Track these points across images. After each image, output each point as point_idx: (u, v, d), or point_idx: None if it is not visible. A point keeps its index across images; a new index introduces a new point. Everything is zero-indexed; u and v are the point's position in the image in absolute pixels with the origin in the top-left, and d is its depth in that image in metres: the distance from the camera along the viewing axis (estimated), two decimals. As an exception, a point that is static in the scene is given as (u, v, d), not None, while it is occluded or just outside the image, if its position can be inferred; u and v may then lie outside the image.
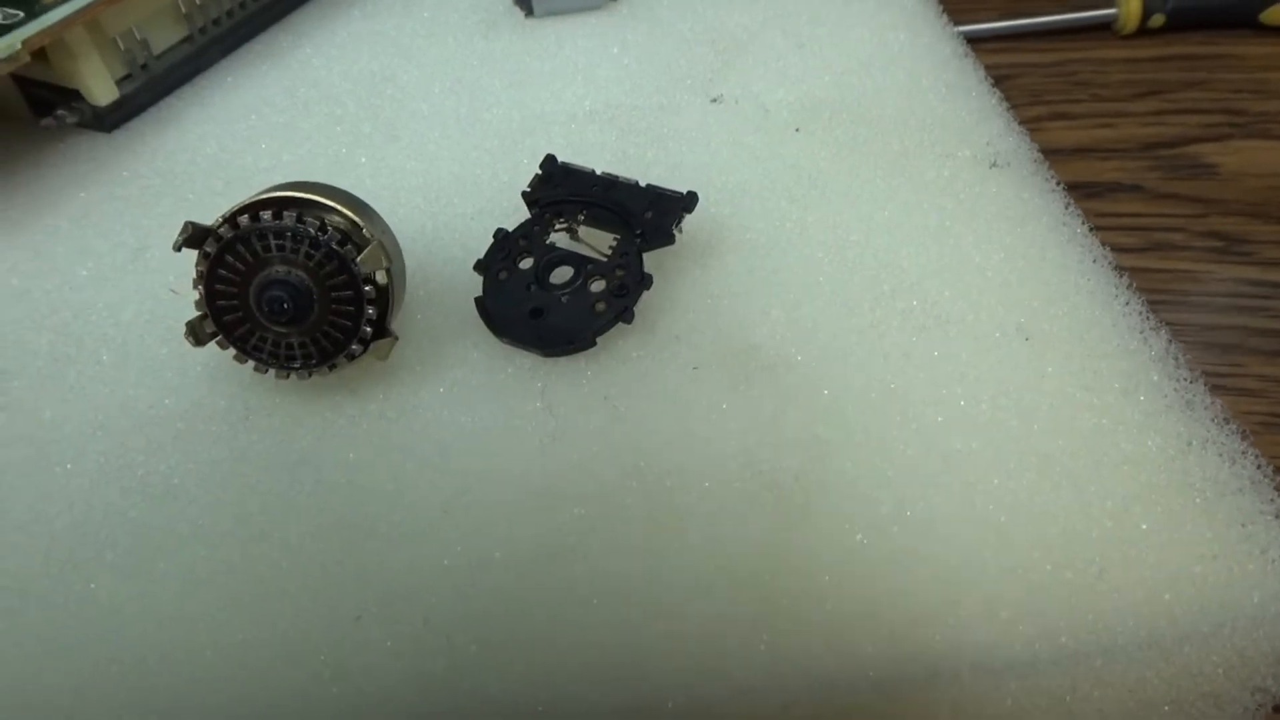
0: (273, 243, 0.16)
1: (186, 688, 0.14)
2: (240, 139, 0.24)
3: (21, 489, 0.16)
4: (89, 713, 0.13)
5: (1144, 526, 0.14)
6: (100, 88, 0.23)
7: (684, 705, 0.13)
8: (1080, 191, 0.29)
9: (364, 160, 0.22)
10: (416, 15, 0.27)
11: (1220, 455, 0.15)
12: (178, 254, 0.16)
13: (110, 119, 0.24)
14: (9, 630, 0.14)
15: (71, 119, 0.24)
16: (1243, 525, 0.14)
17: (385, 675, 0.14)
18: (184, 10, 0.25)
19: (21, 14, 0.22)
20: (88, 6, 0.22)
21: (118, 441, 0.17)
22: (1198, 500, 0.15)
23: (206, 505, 0.16)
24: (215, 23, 0.26)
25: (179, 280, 0.19)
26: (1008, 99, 0.32)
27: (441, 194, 0.21)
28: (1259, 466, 0.15)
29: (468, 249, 0.19)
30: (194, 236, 0.16)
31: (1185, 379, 0.16)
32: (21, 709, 0.13)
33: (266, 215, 0.15)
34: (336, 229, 0.16)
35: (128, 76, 0.24)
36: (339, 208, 0.16)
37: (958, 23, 0.35)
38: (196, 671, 0.14)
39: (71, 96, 0.24)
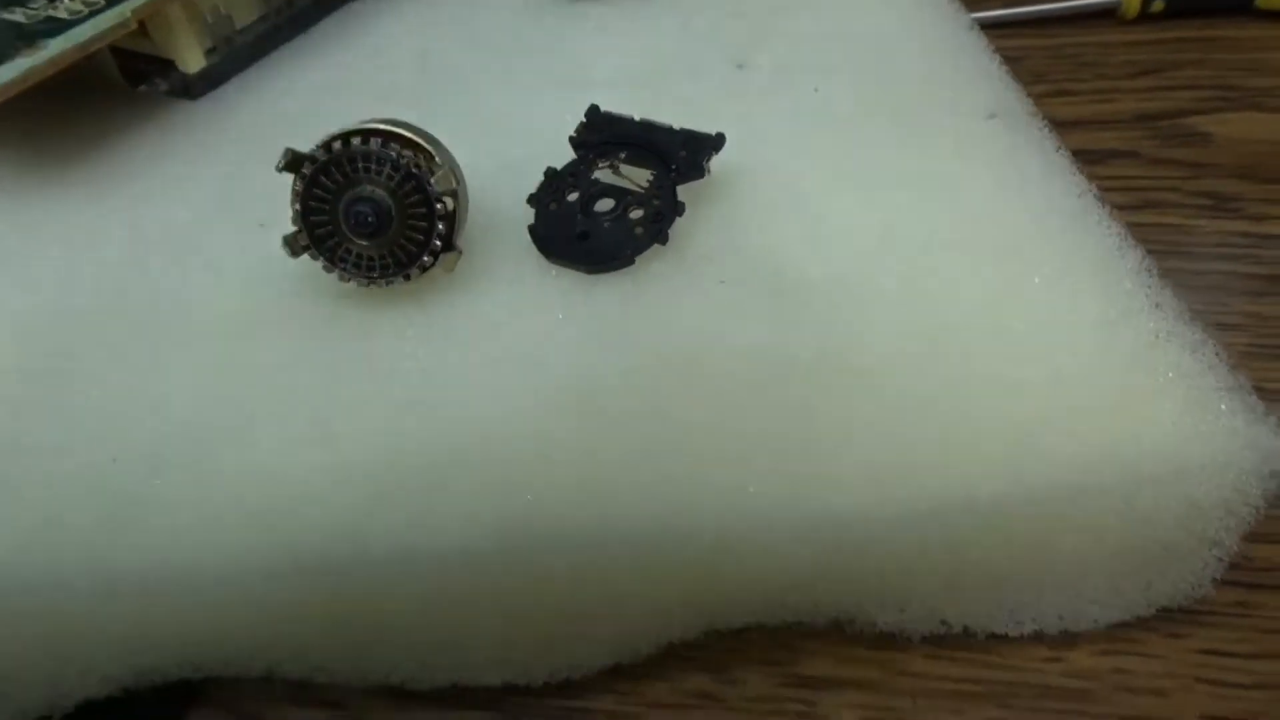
0: (360, 165, 0.18)
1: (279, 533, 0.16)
2: (313, 105, 0.26)
3: (143, 373, 0.19)
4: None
5: (1112, 396, 0.16)
6: (192, 58, 0.26)
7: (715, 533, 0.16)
8: (1080, 158, 0.31)
9: (426, 116, 0.25)
10: (470, 1, 0.30)
11: (1183, 346, 0.17)
12: (262, 199, 0.19)
13: (198, 87, 0.27)
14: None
15: (164, 87, 0.27)
16: (1199, 397, 0.16)
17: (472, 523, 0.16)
18: (263, -10, 0.28)
19: (129, -11, 0.25)
20: (188, -17, 0.25)
21: (224, 344, 0.19)
22: (1161, 379, 0.17)
23: (301, 388, 0.18)
24: (289, 3, 0.29)
25: (266, 218, 0.22)
26: (1013, 77, 0.35)
27: (495, 144, 0.24)
28: (1217, 354, 0.17)
29: (519, 188, 0.22)
30: (293, 161, 0.18)
31: (1155, 285, 0.19)
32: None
33: (356, 141, 0.18)
34: (414, 154, 0.18)
35: (213, 49, 0.27)
36: (415, 139, 0.19)
37: (968, 10, 0.37)
38: (287, 521, 0.16)
39: (165, 66, 0.27)
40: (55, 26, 0.23)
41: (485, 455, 0.17)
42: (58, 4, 0.24)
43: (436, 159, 0.19)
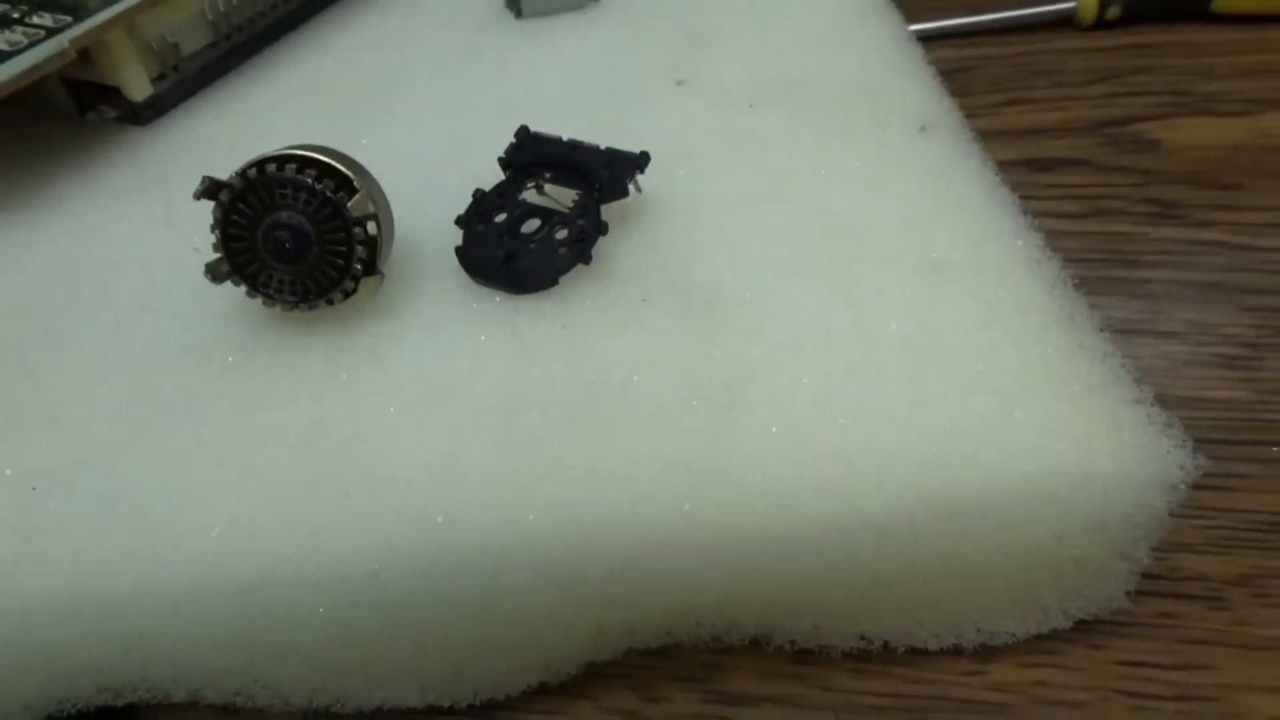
0: (276, 192, 0.18)
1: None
2: (260, 130, 0.27)
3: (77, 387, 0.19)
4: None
5: (1020, 411, 0.16)
6: (137, 85, 0.26)
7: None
8: (1032, 166, 0.31)
9: (365, 142, 0.25)
10: (419, 18, 0.30)
11: (1092, 359, 0.17)
12: (201, 223, 0.19)
13: (145, 114, 0.27)
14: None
15: (111, 114, 0.27)
16: (1104, 411, 0.16)
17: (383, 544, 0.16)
18: (210, 18, 0.28)
19: (70, 19, 0.25)
20: (127, 10, 0.25)
21: (150, 369, 0.19)
22: (1068, 393, 0.17)
23: (220, 412, 0.18)
24: (239, 29, 0.29)
25: (202, 243, 0.22)
26: (969, 88, 0.35)
27: (430, 165, 0.24)
28: (1123, 367, 0.17)
29: (450, 208, 0.22)
30: (210, 188, 0.19)
31: (1070, 298, 0.19)
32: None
33: (272, 168, 0.18)
34: (331, 180, 0.19)
35: (161, 76, 0.27)
36: (334, 164, 0.19)
37: (924, 19, 0.37)
38: (194, 543, 0.16)
39: (112, 94, 0.27)
40: (-4, 57, 0.24)
41: (398, 472, 0.17)
42: (0, 33, 0.25)
43: (355, 184, 0.19)
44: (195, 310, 0.21)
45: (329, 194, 0.18)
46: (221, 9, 0.28)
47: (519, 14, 0.30)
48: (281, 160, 0.19)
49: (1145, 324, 0.25)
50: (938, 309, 0.19)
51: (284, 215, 0.18)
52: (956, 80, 0.35)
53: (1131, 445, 0.16)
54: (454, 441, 0.17)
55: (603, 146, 0.22)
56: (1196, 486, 0.17)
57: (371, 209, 0.19)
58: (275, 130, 0.27)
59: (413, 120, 0.26)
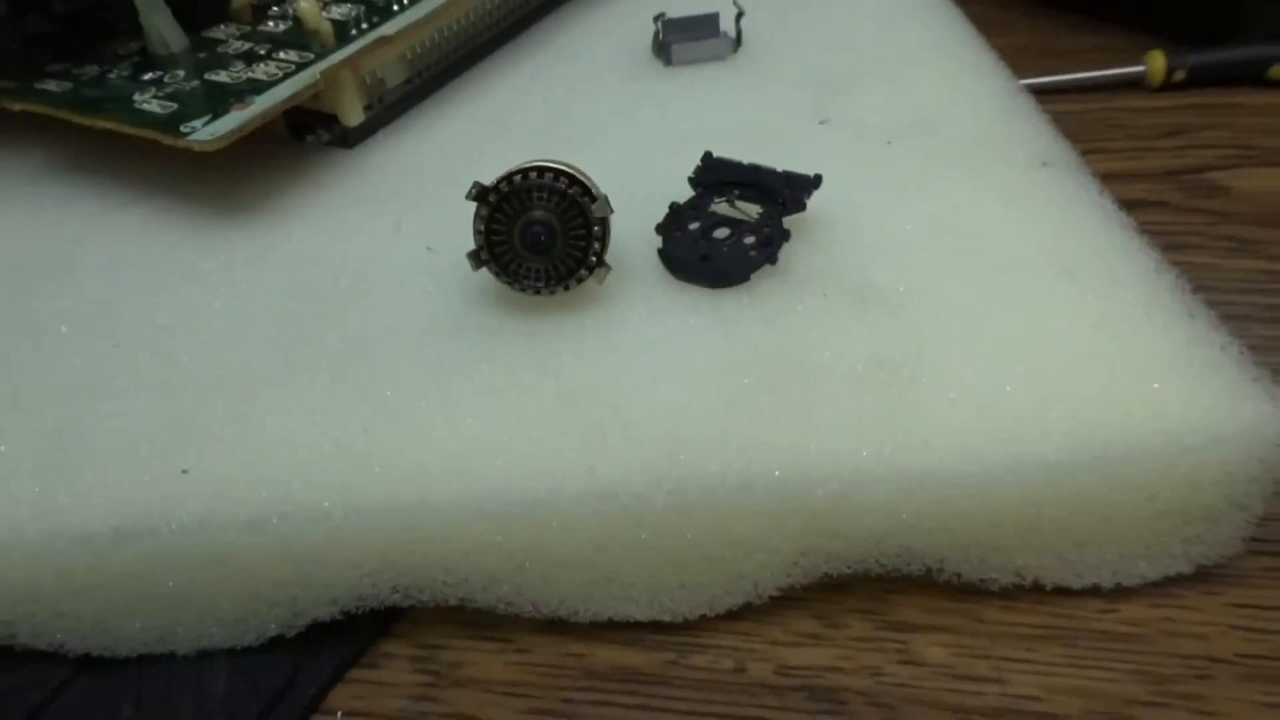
0: (534, 195, 0.22)
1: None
2: (453, 153, 0.31)
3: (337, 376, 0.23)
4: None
5: (1161, 381, 0.20)
6: (353, 114, 0.31)
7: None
8: (1117, 205, 0.35)
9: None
10: (580, 63, 0.35)
11: (1213, 345, 0.21)
12: (426, 229, 0.23)
13: (353, 138, 0.31)
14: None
15: (325, 138, 0.31)
16: (1231, 382, 0.20)
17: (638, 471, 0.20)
18: (409, 57, 0.32)
19: (312, 55, 0.29)
20: (359, 51, 0.29)
21: (418, 338, 0.23)
22: (1200, 368, 0.21)
23: (485, 374, 0.22)
24: (428, 68, 0.33)
25: (434, 243, 0.26)
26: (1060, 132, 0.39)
27: (618, 186, 0.28)
28: (1242, 352, 0.21)
29: (646, 221, 0.26)
30: (480, 193, 0.23)
31: (1189, 299, 0.22)
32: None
33: (533, 175, 0.22)
34: (576, 185, 0.23)
35: (368, 106, 0.32)
36: (574, 173, 0.23)
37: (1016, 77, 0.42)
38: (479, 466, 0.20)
39: (325, 121, 0.31)
40: (256, 86, 0.28)
41: (644, 420, 0.21)
42: (254, 67, 0.29)
43: (594, 191, 0.23)
44: (441, 292, 0.25)
45: (577, 198, 0.22)
46: (418, 50, 0.33)
47: (668, 62, 0.34)
48: (539, 170, 0.23)
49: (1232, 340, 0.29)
50: (1078, 306, 0.22)
51: (538, 214, 0.22)
52: (1040, 132, 0.39)
53: (1252, 410, 0.20)
54: (684, 399, 0.21)
55: (779, 169, 0.26)
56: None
57: (609, 211, 0.23)
58: (465, 154, 0.31)
59: (590, 150, 0.30)
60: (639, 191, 0.27)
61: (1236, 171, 0.36)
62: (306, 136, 0.31)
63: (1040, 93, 0.42)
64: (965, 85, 0.31)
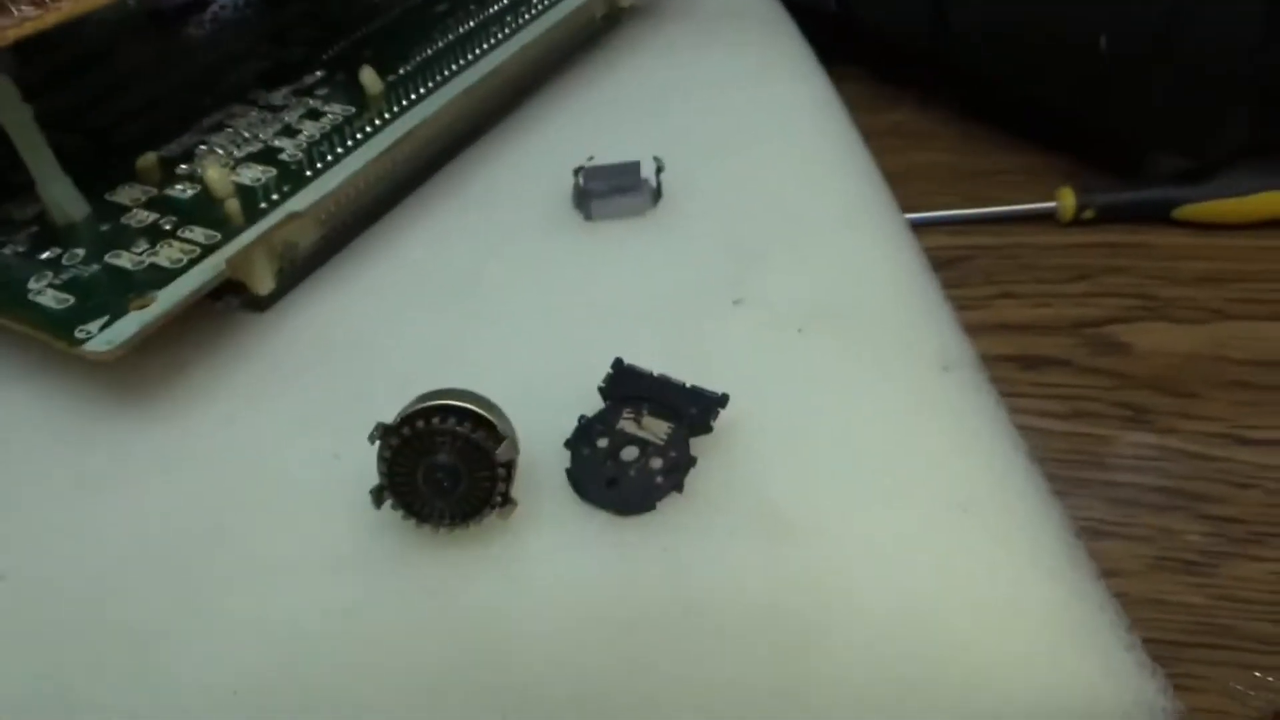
0: (438, 440, 0.22)
1: None
2: (364, 317, 0.31)
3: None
4: None
5: (1029, 649, 0.21)
6: (264, 283, 0.30)
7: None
8: (1022, 363, 0.36)
9: (468, 354, 0.29)
10: (497, 212, 0.35)
11: (1091, 605, 0.22)
12: (333, 428, 0.23)
13: (266, 303, 0.31)
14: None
15: (236, 303, 0.31)
16: (1102, 655, 0.21)
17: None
18: (322, 218, 0.32)
19: (219, 235, 0.29)
20: (271, 229, 0.29)
21: (299, 574, 0.23)
22: (1073, 637, 0.21)
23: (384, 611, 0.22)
24: (343, 222, 0.33)
25: (342, 443, 0.26)
26: (966, 279, 0.40)
27: (530, 378, 0.28)
28: (1117, 614, 0.22)
29: (555, 424, 0.26)
30: (382, 434, 0.23)
31: (1073, 543, 0.23)
32: None
33: (435, 420, 0.22)
34: (480, 429, 0.23)
35: (280, 270, 0.31)
36: (480, 411, 0.23)
37: (924, 208, 0.43)
38: None
39: (238, 288, 0.31)
40: (158, 276, 0.27)
41: (513, 667, 0.21)
42: (158, 249, 0.28)
43: (500, 430, 0.23)
44: (347, 519, 0.24)
45: (481, 442, 0.22)
46: (332, 209, 0.32)
47: (588, 216, 0.34)
48: (442, 413, 0.23)
49: (1115, 528, 0.30)
50: (969, 551, 0.23)
51: (442, 458, 0.22)
52: (956, 268, 0.40)
53: (1120, 687, 0.21)
54: (583, 660, 0.22)
55: (688, 384, 0.26)
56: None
57: (513, 454, 0.23)
58: (377, 317, 0.31)
59: (502, 326, 0.30)
60: (550, 386, 0.27)
61: (1137, 326, 0.37)
62: (217, 302, 0.31)
63: (957, 223, 0.43)
64: (878, 261, 0.32)
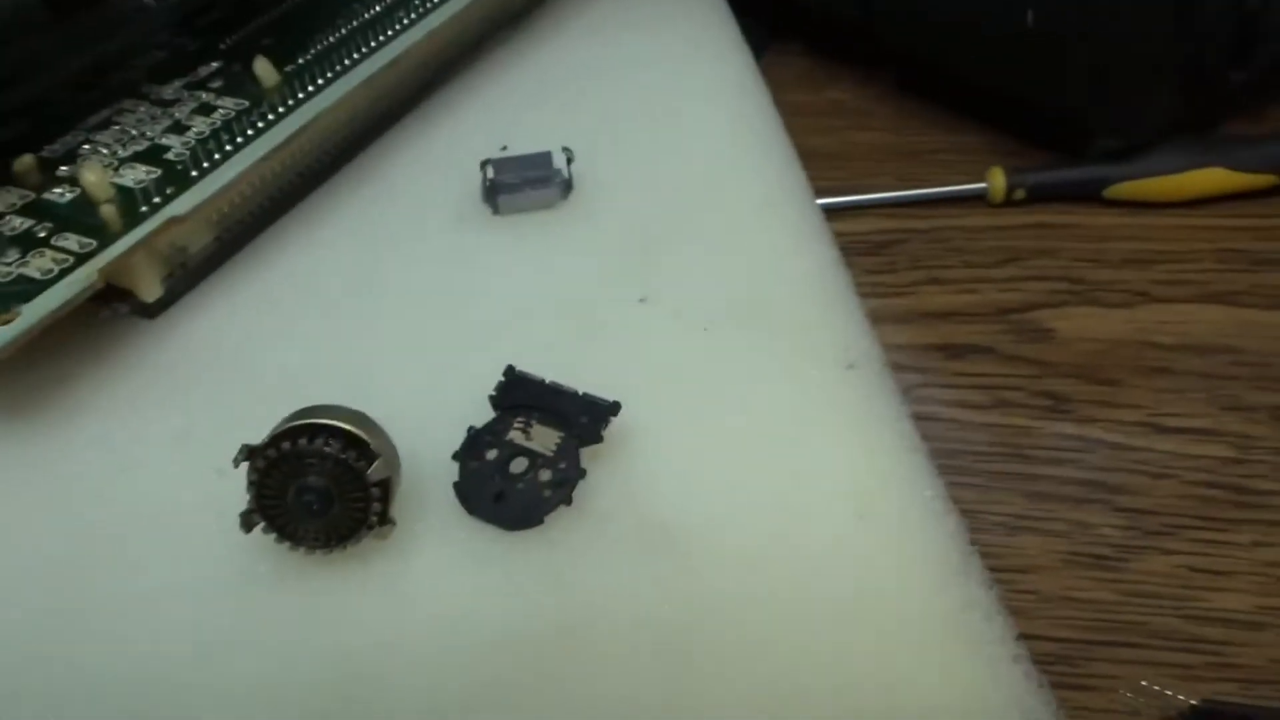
0: (306, 461, 0.22)
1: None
2: (256, 323, 0.30)
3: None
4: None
5: (917, 659, 0.21)
6: (150, 289, 0.29)
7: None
8: (946, 352, 0.36)
9: (357, 358, 0.28)
10: (403, 211, 0.33)
11: (982, 614, 0.21)
12: (214, 440, 0.22)
13: (156, 309, 0.30)
14: None
15: (124, 310, 0.30)
16: (989, 665, 0.21)
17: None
18: (215, 219, 0.31)
19: (94, 242, 0.28)
20: (150, 234, 0.28)
21: (170, 600, 0.22)
22: (961, 646, 0.21)
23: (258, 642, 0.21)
24: (238, 223, 0.32)
25: (225, 457, 0.25)
26: (894, 264, 0.39)
27: (420, 386, 0.27)
28: (1005, 625, 0.21)
29: (446, 426, 0.25)
30: (248, 456, 0.22)
31: (966, 551, 0.23)
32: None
33: (303, 441, 0.21)
34: (351, 448, 0.22)
35: (169, 275, 0.30)
36: (353, 430, 0.22)
37: (860, 189, 0.42)
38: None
39: (126, 294, 0.29)
40: (27, 289, 0.26)
41: (394, 690, 0.20)
42: (29, 259, 0.27)
43: (372, 446, 0.22)
44: (223, 541, 0.23)
45: (351, 463, 0.22)
46: (225, 210, 0.31)
47: (495, 210, 0.33)
48: (311, 432, 0.22)
49: (1032, 524, 0.29)
50: (865, 563, 0.23)
51: (311, 480, 0.22)
52: (885, 253, 0.40)
53: (1006, 698, 0.20)
54: (447, 671, 0.21)
55: (580, 391, 0.25)
56: (1058, 686, 0.21)
57: (387, 473, 0.22)
58: (268, 325, 0.29)
59: (397, 328, 0.29)
60: (447, 390, 0.27)
61: (1062, 310, 0.37)
62: (103, 311, 0.30)
63: (888, 205, 0.42)
64: (788, 254, 0.31)
